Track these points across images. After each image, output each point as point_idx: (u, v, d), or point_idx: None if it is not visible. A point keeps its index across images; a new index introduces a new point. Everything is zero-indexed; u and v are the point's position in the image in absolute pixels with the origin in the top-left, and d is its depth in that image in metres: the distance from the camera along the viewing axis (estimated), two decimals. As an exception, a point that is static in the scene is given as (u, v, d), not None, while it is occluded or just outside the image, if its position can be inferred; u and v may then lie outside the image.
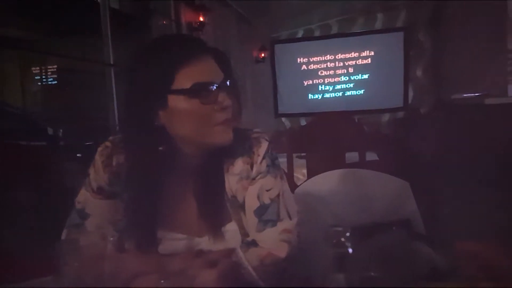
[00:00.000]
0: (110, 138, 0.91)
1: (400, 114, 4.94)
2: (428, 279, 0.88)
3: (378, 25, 5.14)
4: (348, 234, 0.52)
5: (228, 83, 0.83)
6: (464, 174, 3.73)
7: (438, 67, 4.88)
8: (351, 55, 5.08)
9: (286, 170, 1.94)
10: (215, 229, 0.85)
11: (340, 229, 0.53)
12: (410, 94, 5.04)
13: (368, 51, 5.04)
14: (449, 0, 4.68)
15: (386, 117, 5.13)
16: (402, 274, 0.72)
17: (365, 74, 5.07)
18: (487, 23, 4.61)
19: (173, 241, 0.86)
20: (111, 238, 0.66)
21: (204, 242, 0.86)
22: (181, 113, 0.79)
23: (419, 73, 5.02)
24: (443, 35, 4.79)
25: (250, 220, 0.87)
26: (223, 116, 0.81)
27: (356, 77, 5.11)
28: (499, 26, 4.67)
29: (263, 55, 4.91)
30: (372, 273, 0.55)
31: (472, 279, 0.59)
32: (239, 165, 0.88)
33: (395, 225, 1.22)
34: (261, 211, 0.86)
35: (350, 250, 0.52)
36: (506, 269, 0.63)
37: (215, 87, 0.80)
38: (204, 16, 3.28)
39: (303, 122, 5.17)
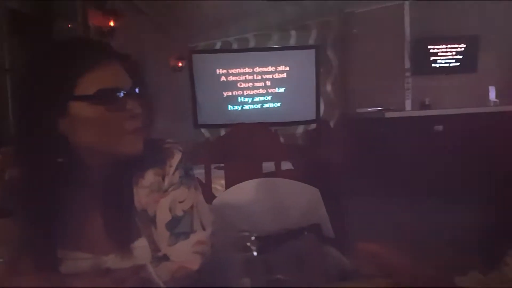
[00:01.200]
0: (2, 149, 0.82)
1: (313, 126, 5.22)
2: (335, 279, 0.93)
3: (292, 41, 5.41)
4: (253, 238, 0.53)
5: (137, 90, 0.80)
6: (369, 181, 4.07)
7: (345, 83, 5.28)
8: (268, 69, 5.26)
9: (204, 181, 1.92)
10: (123, 246, 0.81)
11: (246, 233, 0.54)
12: (322, 107, 5.36)
13: (283, 66, 5.26)
14: (353, 21, 5.12)
15: (300, 128, 5.39)
16: (311, 276, 0.76)
17: (282, 87, 5.29)
18: (387, 44, 5.14)
19: (76, 261, 0.79)
20: (1, 260, 0.59)
21: (111, 261, 0.80)
22: (84, 121, 0.74)
23: (328, 88, 5.38)
24: (349, 54, 5.21)
25: (162, 234, 0.84)
26: (132, 124, 0.78)
27: (273, 90, 5.30)
28: (398, 47, 5.23)
29: (180, 64, 4.85)
30: (279, 276, 0.57)
31: (371, 277, 0.65)
32: (150, 177, 0.85)
33: (306, 230, 1.28)
34: (173, 224, 0.84)
35: (255, 253, 0.53)
36: (400, 266, 0.69)
37: (122, 94, 0.76)
38: (115, 21, 3.12)
39: (223, 133, 5.16)
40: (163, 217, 0.84)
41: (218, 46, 5.54)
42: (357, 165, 3.84)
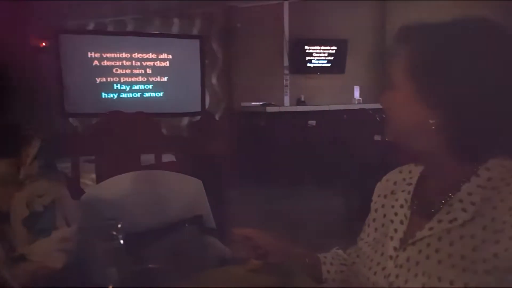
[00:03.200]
0: None
1: (198, 118, 5.19)
2: (216, 266, 0.95)
3: (175, 29, 5.26)
4: (119, 225, 0.50)
5: None
6: (251, 172, 4.24)
7: (230, 77, 5.37)
8: (149, 55, 5.01)
9: (70, 175, 1.74)
10: None
11: (112, 222, 0.50)
12: (207, 99, 5.36)
13: (166, 54, 5.08)
14: (237, 16, 5.23)
15: (185, 120, 5.31)
16: (189, 266, 0.75)
17: (164, 76, 5.10)
18: (268, 42, 5.39)
19: None
20: None
21: None
22: None
23: (214, 80, 5.41)
24: (233, 48, 5.31)
25: (18, 231, 0.74)
26: None
27: (155, 79, 5.09)
28: (278, 45, 5.53)
29: (44, 44, 4.28)
30: (151, 265, 0.55)
31: (247, 259, 0.67)
32: (2, 167, 0.74)
33: (187, 223, 1.26)
34: (31, 220, 0.74)
35: (122, 242, 0.50)
36: (272, 247, 0.74)
37: None
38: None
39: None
40: (19, 212, 0.75)
41: (90, 27, 5.07)
42: (240, 157, 3.95)
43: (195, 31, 5.30)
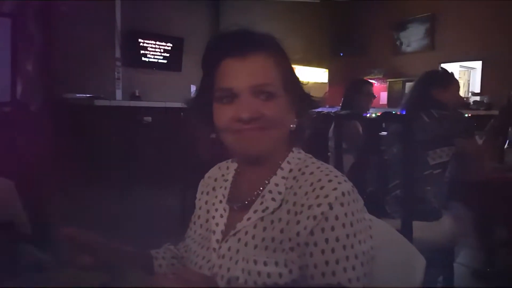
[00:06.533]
0: None
1: (8, 109, 4.43)
2: (31, 273, 0.84)
3: (-22, 4, 4.36)
4: None
5: None
6: (77, 170, 3.85)
7: (49, 64, 4.74)
8: None
9: None
10: None
11: None
12: (19, 88, 4.61)
13: (-38, 32, 4.17)
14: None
15: (-10, 112, 4.45)
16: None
17: (-41, 58, 4.18)
18: (98, 30, 4.98)
19: None
20: None
21: None
22: None
23: (29, 67, 4.69)
24: (55, 32, 4.71)
25: None
26: None
27: None
28: (109, 35, 5.16)
29: None
30: None
31: (71, 261, 0.63)
32: None
33: (-4, 229, 1.07)
34: None
35: None
36: (99, 246, 0.71)
37: None
38: None
39: None
40: None
41: None
42: (62, 154, 3.54)
43: (5, 9, 4.48)
